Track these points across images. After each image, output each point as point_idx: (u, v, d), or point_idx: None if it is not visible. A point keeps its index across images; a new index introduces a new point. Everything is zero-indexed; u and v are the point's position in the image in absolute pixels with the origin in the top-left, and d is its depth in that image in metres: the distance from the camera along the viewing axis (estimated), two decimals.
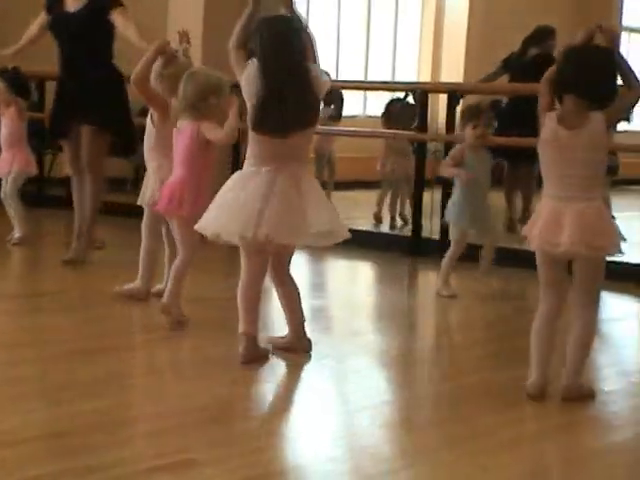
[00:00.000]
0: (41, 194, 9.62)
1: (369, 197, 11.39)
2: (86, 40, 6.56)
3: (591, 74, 3.93)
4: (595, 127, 3.95)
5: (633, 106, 4.20)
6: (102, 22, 6.54)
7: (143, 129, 5.68)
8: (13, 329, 5.06)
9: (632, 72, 4.00)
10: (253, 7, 4.51)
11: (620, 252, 4.02)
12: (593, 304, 4.11)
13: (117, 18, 6.50)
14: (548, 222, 3.97)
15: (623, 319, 5.43)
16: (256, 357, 4.50)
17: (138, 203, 5.61)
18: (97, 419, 3.63)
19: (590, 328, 4.12)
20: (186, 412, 3.80)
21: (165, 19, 8.75)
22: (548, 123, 4.00)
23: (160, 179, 5.39)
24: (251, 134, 4.46)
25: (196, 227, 4.58)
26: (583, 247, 3.92)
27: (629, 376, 4.77)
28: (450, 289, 6.26)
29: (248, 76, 4.41)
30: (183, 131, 5.00)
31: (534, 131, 4.19)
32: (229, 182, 4.53)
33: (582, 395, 4.11)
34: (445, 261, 6.33)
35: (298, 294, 4.70)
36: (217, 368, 4.44)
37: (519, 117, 7.55)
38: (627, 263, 7.05)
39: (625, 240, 4.05)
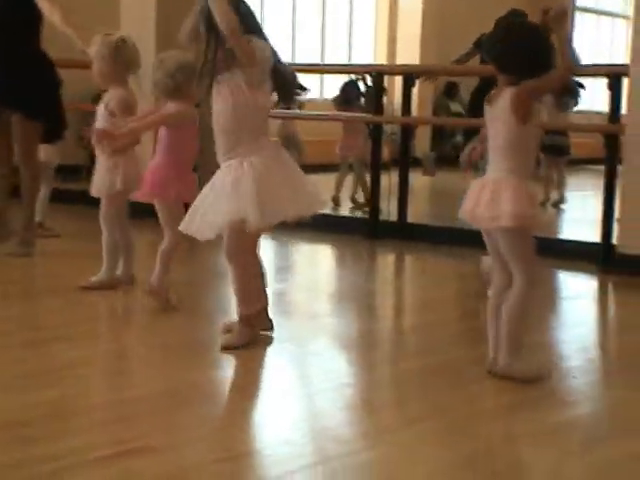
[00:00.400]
0: None
1: (327, 180, 11.42)
2: (10, 25, 6.40)
3: (506, 48, 4.01)
4: (503, 102, 4.01)
5: (564, 85, 4.22)
6: (27, 7, 6.38)
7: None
8: None
9: (568, 51, 3.98)
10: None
11: (518, 224, 3.95)
12: (519, 279, 4.05)
13: (42, 2, 6.36)
14: (469, 196, 4.08)
15: (579, 297, 5.49)
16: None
17: (93, 194, 5.59)
18: (53, 408, 3.61)
19: (513, 303, 4.06)
20: (144, 399, 3.79)
21: (118, 5, 8.68)
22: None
23: (119, 168, 5.39)
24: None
25: (185, 229, 4.52)
26: (485, 220, 3.99)
27: (587, 353, 4.83)
28: None
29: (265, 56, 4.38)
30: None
31: None
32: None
33: (508, 375, 4.06)
34: None
35: (263, 276, 4.69)
36: (175, 354, 4.43)
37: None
38: (581, 242, 7.15)
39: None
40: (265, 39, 4.40)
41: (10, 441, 3.28)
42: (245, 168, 4.35)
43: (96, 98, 10.92)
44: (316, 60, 14.82)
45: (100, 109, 5.58)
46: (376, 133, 8.31)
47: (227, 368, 4.40)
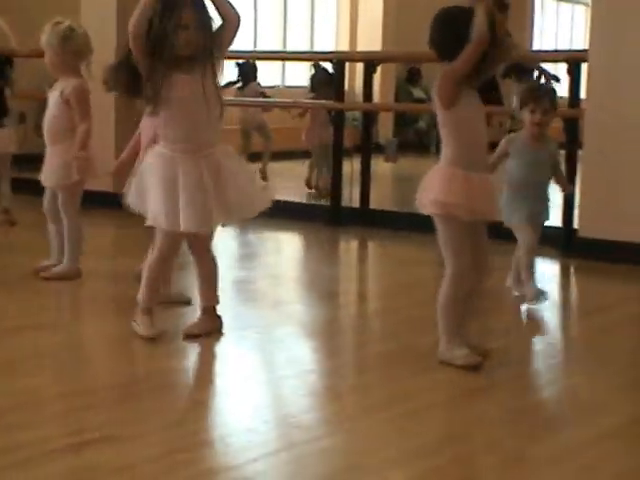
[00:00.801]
0: None
1: (286, 168, 11.42)
2: None
3: (432, 36, 4.05)
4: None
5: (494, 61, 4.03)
6: None
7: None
8: None
9: (478, 25, 3.85)
10: None
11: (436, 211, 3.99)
12: (447, 268, 4.05)
13: None
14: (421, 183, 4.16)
15: (540, 281, 5.50)
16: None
17: (46, 185, 5.55)
18: (11, 399, 3.58)
19: (440, 292, 4.08)
20: (105, 389, 3.78)
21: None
22: None
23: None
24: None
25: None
26: (420, 204, 4.07)
27: (546, 336, 4.87)
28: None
29: None
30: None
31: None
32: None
33: (447, 361, 4.07)
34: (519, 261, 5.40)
35: (215, 273, 4.60)
36: (136, 344, 4.40)
37: None
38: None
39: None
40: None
41: None
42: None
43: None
44: (278, 47, 14.78)
45: (53, 96, 5.51)
46: (338, 120, 8.30)
47: (189, 357, 4.38)
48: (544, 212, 5.37)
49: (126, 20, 4.25)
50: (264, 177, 10.92)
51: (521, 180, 5.23)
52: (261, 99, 11.03)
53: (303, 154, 10.63)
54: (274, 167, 11.20)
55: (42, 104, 11.02)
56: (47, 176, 5.52)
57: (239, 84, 11.02)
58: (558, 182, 5.46)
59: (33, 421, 3.38)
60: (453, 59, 3.93)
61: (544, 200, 5.35)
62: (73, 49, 5.39)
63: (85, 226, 5.67)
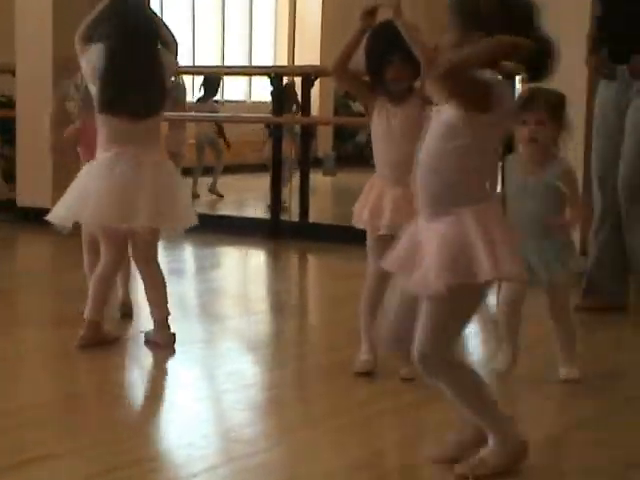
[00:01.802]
0: None
1: (231, 181, 11.43)
2: None
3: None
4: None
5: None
6: None
7: None
8: None
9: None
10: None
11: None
12: None
13: None
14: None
15: None
16: (96, 342, 4.47)
17: None
18: None
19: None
20: (46, 405, 3.74)
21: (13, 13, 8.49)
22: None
23: None
24: (101, 118, 4.44)
25: (50, 217, 4.51)
26: None
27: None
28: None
29: (91, 59, 4.41)
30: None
31: None
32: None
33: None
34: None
35: (163, 285, 4.63)
36: (76, 357, 4.38)
37: None
38: None
39: None
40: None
41: None
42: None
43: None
44: (216, 62, 14.78)
45: None
46: (277, 133, 8.32)
47: (131, 371, 4.36)
48: (542, 263, 4.02)
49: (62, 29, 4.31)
50: (213, 191, 10.97)
51: (515, 215, 4.05)
52: (214, 114, 11.03)
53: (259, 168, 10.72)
54: (227, 181, 11.26)
55: None
56: None
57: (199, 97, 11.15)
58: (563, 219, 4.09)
59: None
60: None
61: (542, 247, 4.04)
62: None
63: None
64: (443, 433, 3.45)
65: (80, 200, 4.42)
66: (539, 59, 2.90)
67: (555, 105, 3.99)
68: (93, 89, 4.43)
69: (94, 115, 4.49)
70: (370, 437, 3.51)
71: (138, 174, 4.40)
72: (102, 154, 4.45)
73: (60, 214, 4.48)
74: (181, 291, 5.94)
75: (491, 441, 3.07)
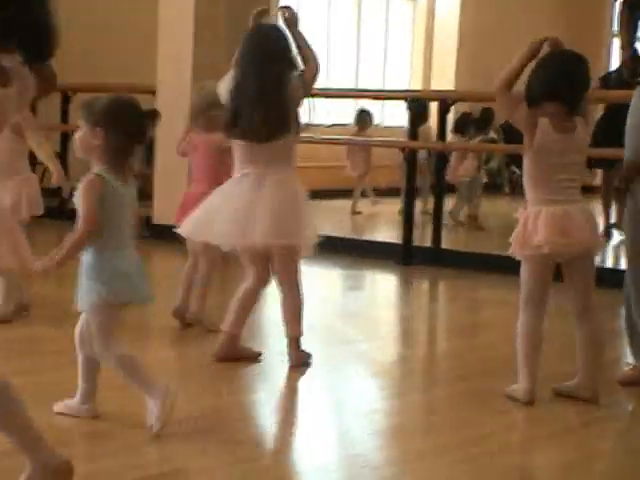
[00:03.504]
0: None
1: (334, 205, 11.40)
2: None
3: (571, 81, 4.05)
4: (581, 131, 4.11)
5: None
6: None
7: None
8: None
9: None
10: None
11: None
12: (595, 308, 4.19)
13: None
14: (551, 225, 4.03)
15: None
16: (231, 356, 4.56)
17: None
18: (80, 430, 3.59)
19: (601, 329, 4.22)
20: (175, 422, 3.78)
21: (156, 19, 8.68)
22: (541, 129, 4.04)
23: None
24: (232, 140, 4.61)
25: (180, 231, 4.68)
26: (592, 244, 4.15)
27: None
28: None
29: (225, 85, 4.57)
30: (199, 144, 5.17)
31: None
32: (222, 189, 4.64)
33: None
34: None
35: (299, 305, 4.67)
36: (207, 377, 4.44)
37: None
38: None
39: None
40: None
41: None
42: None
43: None
44: (350, 85, 14.82)
45: None
46: (411, 158, 8.30)
47: (258, 393, 4.39)
48: None
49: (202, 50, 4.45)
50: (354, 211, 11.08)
51: None
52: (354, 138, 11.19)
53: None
54: (323, 205, 11.32)
55: None
56: None
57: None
58: None
59: (98, 453, 3.41)
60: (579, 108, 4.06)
61: None
62: None
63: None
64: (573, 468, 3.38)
65: (205, 219, 4.57)
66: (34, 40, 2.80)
67: None
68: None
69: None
70: (500, 469, 3.44)
71: (258, 193, 4.48)
72: (234, 175, 4.60)
73: (188, 229, 4.64)
74: (309, 313, 5.94)
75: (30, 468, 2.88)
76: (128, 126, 3.55)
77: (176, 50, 8.29)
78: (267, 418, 4.08)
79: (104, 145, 3.52)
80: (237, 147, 4.55)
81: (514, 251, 4.12)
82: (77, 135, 3.62)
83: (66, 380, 4.17)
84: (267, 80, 4.46)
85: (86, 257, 3.58)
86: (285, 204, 4.50)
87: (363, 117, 11.56)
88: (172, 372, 4.61)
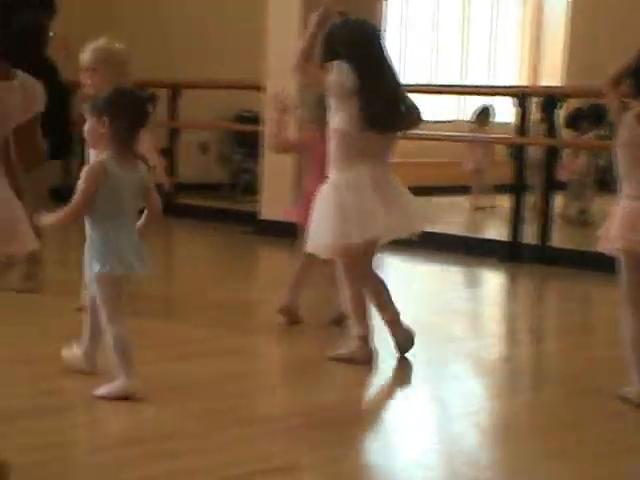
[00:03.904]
0: None
1: (457, 202, 11.31)
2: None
3: None
4: None
5: None
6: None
7: None
8: None
9: None
10: (317, 28, 4.56)
11: None
12: None
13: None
14: (625, 221, 3.93)
15: None
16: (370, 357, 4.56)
17: None
18: (186, 424, 3.61)
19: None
20: (282, 417, 3.78)
21: (265, 15, 8.69)
22: (628, 123, 3.94)
23: None
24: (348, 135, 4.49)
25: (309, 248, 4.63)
26: None
27: None
28: None
29: (342, 78, 4.45)
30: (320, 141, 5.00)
31: None
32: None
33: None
34: None
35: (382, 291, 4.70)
36: (316, 373, 4.43)
37: None
38: None
39: None
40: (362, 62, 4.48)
41: (156, 454, 3.30)
42: (329, 190, 4.50)
43: (238, 118, 11.14)
44: (456, 80, 14.69)
45: None
46: (518, 155, 8.17)
47: (363, 388, 4.36)
48: None
49: None
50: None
51: None
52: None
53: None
54: (440, 201, 11.25)
55: (229, 134, 11.31)
56: None
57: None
58: None
59: (216, 446, 3.41)
60: None
61: None
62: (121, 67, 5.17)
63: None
64: None
65: (357, 220, 4.47)
66: None
67: None
68: (334, 104, 4.50)
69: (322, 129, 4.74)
70: (609, 476, 3.34)
71: (387, 186, 4.50)
72: (342, 173, 4.50)
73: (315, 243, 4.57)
74: (416, 310, 5.90)
75: None
76: (130, 112, 3.89)
77: (285, 45, 8.30)
78: (371, 415, 4.06)
79: (110, 133, 3.85)
80: (350, 140, 4.49)
81: (600, 246, 4.06)
82: (85, 128, 3.96)
83: (167, 373, 4.23)
84: (394, 72, 4.57)
85: (88, 233, 3.91)
86: (407, 195, 4.61)
87: (484, 113, 11.46)
88: (279, 367, 4.63)
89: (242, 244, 8.09)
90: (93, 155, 4.38)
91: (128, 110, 3.89)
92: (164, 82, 9.72)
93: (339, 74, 4.45)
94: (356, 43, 4.52)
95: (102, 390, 3.83)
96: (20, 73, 3.08)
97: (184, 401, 3.86)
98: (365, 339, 4.55)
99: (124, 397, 3.77)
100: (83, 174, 3.88)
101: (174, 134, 9.85)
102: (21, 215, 3.11)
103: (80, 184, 3.87)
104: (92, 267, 3.88)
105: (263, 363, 4.72)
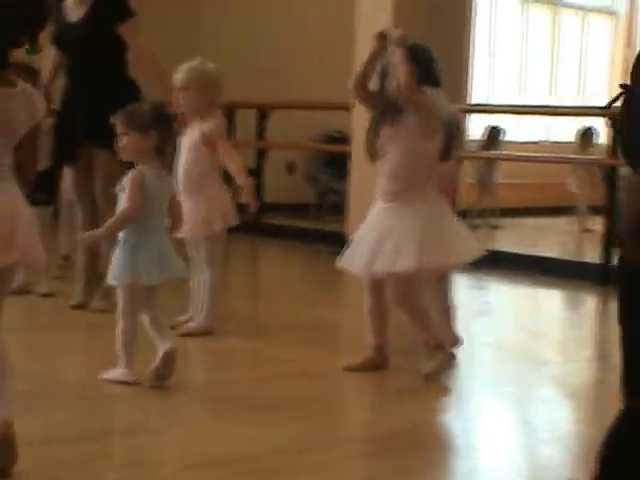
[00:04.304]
0: None
1: (549, 223, 11.18)
2: (91, 51, 5.68)
3: None
4: None
5: None
6: (108, 31, 5.67)
7: None
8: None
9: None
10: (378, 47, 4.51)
11: None
12: None
13: (126, 36, 5.67)
14: None
15: None
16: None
17: (190, 236, 5.24)
18: (269, 445, 3.58)
19: None
20: (366, 440, 3.76)
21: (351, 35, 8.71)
22: None
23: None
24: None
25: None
26: None
27: None
28: None
29: (441, 104, 4.51)
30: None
31: None
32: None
33: None
34: None
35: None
36: (401, 394, 4.40)
37: None
38: None
39: None
40: (438, 86, 4.53)
41: (243, 473, 3.30)
42: (410, 215, 4.42)
43: (328, 138, 11.15)
44: (544, 100, 14.53)
45: (188, 141, 5.27)
46: (610, 176, 8.05)
47: (446, 411, 4.32)
48: None
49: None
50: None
51: None
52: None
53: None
54: (538, 222, 11.06)
55: (317, 156, 11.30)
56: (192, 227, 5.15)
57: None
58: None
59: (293, 468, 3.39)
60: None
61: None
62: (214, 87, 5.23)
63: None
64: None
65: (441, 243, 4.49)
66: None
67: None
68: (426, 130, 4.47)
69: None
70: None
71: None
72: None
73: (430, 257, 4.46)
74: (500, 332, 5.83)
75: None
76: (169, 127, 4.31)
77: None
78: (456, 439, 4.01)
79: (153, 146, 4.19)
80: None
81: None
82: (124, 142, 4.23)
83: (258, 393, 4.23)
84: None
85: (122, 237, 4.22)
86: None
87: (587, 135, 11.33)
88: (367, 388, 4.58)
89: (329, 264, 8.07)
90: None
91: (169, 125, 4.32)
92: (252, 103, 9.81)
93: (440, 100, 4.51)
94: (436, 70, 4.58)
95: (107, 375, 4.21)
96: (20, 81, 3.12)
97: (272, 421, 3.85)
98: (442, 346, 4.55)
99: (126, 383, 4.15)
100: (129, 183, 4.17)
101: (262, 154, 9.92)
102: (24, 224, 3.12)
103: (128, 192, 4.17)
104: (119, 271, 4.20)
105: (350, 384, 4.69)
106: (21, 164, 3.16)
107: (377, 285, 4.59)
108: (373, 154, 4.52)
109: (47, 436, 3.52)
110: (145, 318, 4.25)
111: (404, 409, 4.19)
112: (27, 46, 3.09)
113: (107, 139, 4.70)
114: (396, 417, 4.06)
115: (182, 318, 5.32)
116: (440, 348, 4.56)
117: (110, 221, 4.24)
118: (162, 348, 4.17)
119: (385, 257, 4.39)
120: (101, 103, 5.43)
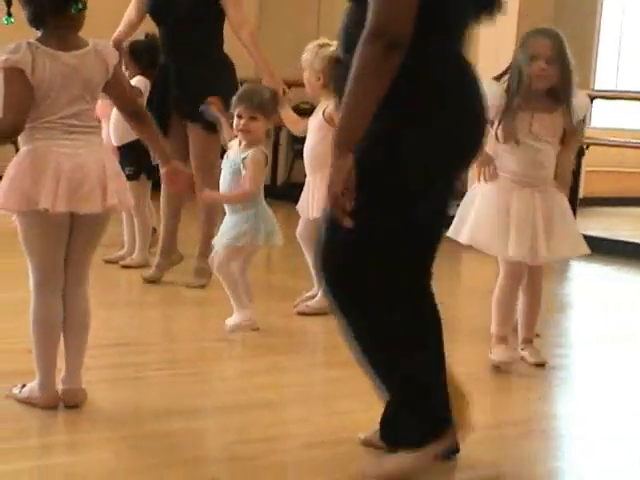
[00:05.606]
0: None
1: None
2: (195, 25, 5.63)
3: None
4: None
5: None
6: (211, 5, 5.64)
7: None
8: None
9: None
10: None
11: None
12: None
13: (228, 7, 5.64)
14: None
15: None
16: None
17: (312, 217, 5.24)
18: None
19: None
20: (493, 425, 3.74)
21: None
22: None
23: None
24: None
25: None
26: None
27: None
28: None
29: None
30: None
31: None
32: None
33: None
34: None
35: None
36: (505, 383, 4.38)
37: None
38: None
39: None
40: None
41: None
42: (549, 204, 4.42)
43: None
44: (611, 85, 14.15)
45: (314, 122, 5.31)
46: None
47: (551, 403, 4.28)
48: None
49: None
50: None
51: None
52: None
53: None
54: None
55: None
56: (315, 208, 5.16)
57: None
58: None
59: None
60: None
61: None
62: None
63: None
64: None
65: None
66: None
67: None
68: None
69: None
70: None
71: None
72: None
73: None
74: (619, 325, 5.67)
75: None
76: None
77: (496, 48, 8.17)
78: (563, 436, 3.89)
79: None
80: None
81: None
82: (251, 126, 4.62)
83: (301, 383, 4.22)
84: None
85: (239, 211, 4.70)
86: None
87: None
88: (483, 374, 4.49)
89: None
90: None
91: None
92: None
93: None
94: None
95: (231, 321, 4.68)
96: (91, 40, 3.42)
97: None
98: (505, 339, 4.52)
99: (252, 327, 4.68)
100: (252, 164, 4.61)
101: None
102: (114, 173, 3.45)
103: (251, 170, 4.61)
104: (231, 235, 4.65)
105: (468, 369, 4.56)
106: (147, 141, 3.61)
107: (518, 272, 4.51)
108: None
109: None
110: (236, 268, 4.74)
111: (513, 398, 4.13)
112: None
113: (202, 114, 5.20)
114: (519, 404, 4.02)
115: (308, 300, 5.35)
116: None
117: (234, 194, 4.74)
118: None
119: (544, 245, 4.37)
120: (198, 80, 5.55)
